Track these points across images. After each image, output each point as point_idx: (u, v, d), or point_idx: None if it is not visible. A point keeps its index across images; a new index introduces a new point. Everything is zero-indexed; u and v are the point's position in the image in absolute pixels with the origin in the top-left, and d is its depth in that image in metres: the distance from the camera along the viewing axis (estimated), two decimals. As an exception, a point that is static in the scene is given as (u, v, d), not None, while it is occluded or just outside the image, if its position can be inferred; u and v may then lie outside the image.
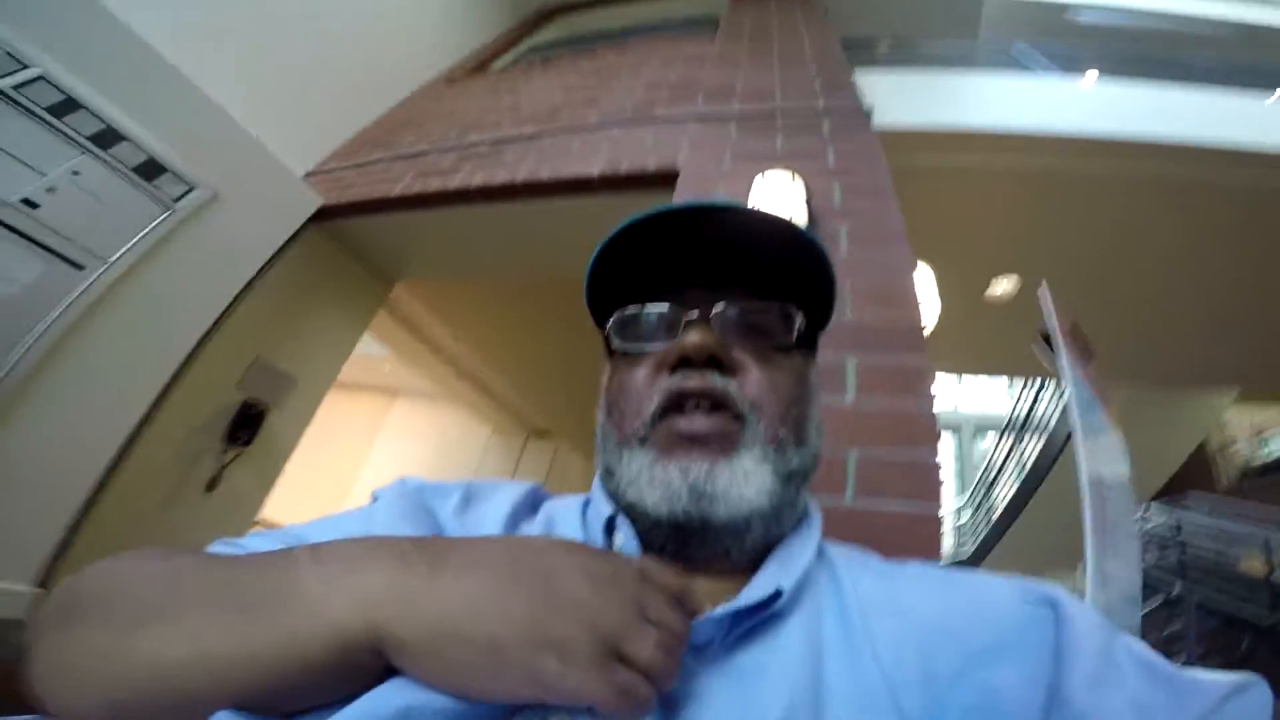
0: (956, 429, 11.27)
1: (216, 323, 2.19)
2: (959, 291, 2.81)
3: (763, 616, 0.39)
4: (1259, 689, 0.35)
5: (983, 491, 8.00)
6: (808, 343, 0.53)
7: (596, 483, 0.51)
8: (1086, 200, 2.31)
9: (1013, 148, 2.13)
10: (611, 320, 0.51)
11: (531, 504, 0.53)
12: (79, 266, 1.74)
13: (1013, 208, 2.38)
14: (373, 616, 0.30)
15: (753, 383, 0.45)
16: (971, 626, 0.39)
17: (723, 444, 0.43)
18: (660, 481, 0.42)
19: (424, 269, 2.95)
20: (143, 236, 1.87)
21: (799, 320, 0.48)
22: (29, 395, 1.68)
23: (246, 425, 2.37)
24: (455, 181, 2.21)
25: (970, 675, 0.36)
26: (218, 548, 0.45)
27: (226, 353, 2.29)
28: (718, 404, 0.44)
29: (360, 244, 2.68)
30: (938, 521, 1.07)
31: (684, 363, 0.45)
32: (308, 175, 2.75)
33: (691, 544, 0.43)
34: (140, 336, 1.94)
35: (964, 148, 2.14)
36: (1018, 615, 0.40)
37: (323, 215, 2.46)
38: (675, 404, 0.44)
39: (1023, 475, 6.74)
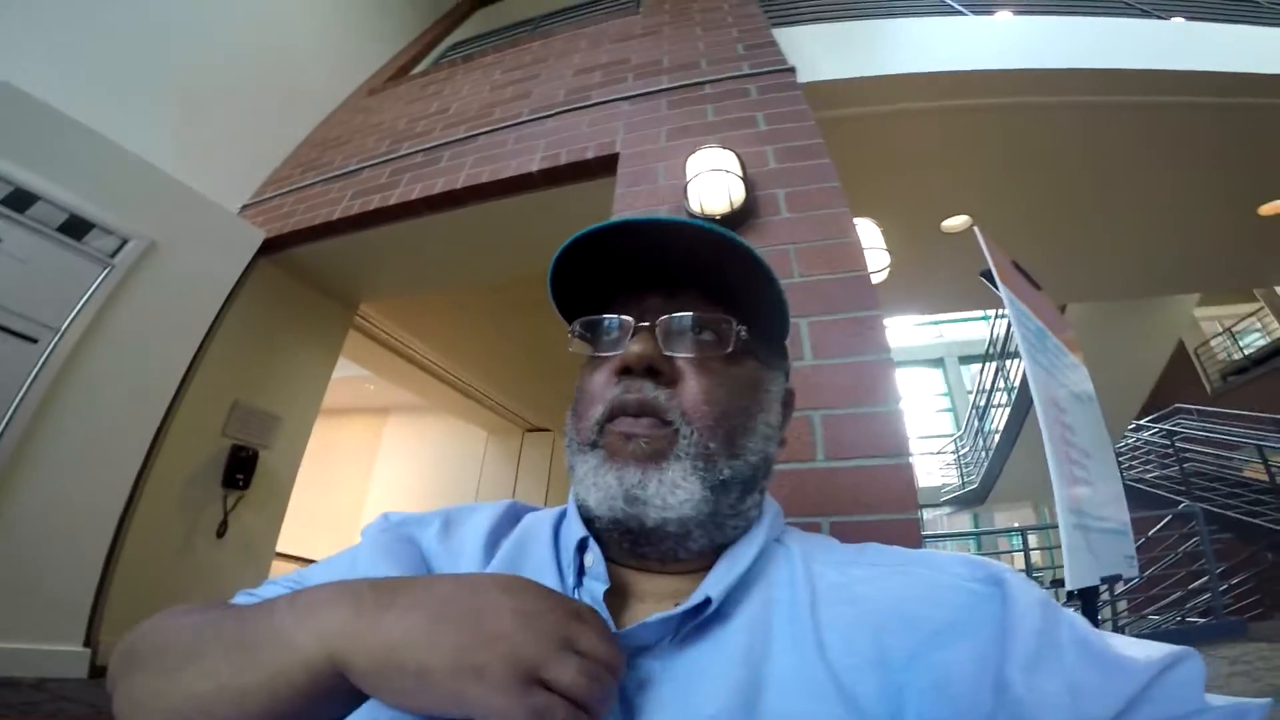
0: (940, 361, 11.31)
1: (187, 372, 2.18)
2: (913, 236, 2.85)
3: (702, 618, 0.41)
4: (1190, 662, 0.36)
5: (976, 420, 8.04)
6: (766, 351, 0.54)
7: (571, 495, 0.52)
8: (1023, 133, 2.33)
9: (941, 89, 2.13)
10: (573, 328, 0.53)
11: (511, 520, 0.56)
12: (31, 340, 1.73)
13: (953, 148, 2.39)
14: (330, 648, 0.35)
15: (688, 393, 0.47)
16: (923, 610, 0.41)
17: (653, 452, 0.45)
18: (601, 485, 0.45)
19: (383, 287, 2.93)
20: (89, 297, 1.86)
21: (736, 331, 0.49)
22: (22, 472, 1.70)
23: (241, 469, 2.40)
24: (395, 196, 2.18)
25: (924, 657, 0.38)
26: (240, 598, 0.51)
27: (204, 400, 2.29)
28: (652, 414, 0.46)
29: (314, 271, 2.65)
30: (909, 470, 1.11)
31: (627, 371, 0.47)
32: (245, 208, 2.71)
33: (641, 545, 0.46)
34: (114, 397, 1.95)
35: (893, 94, 2.14)
36: (966, 596, 0.41)
37: (270, 248, 2.43)
38: (618, 414, 0.47)
39: (1012, 399, 6.75)
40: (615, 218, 0.48)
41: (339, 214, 2.28)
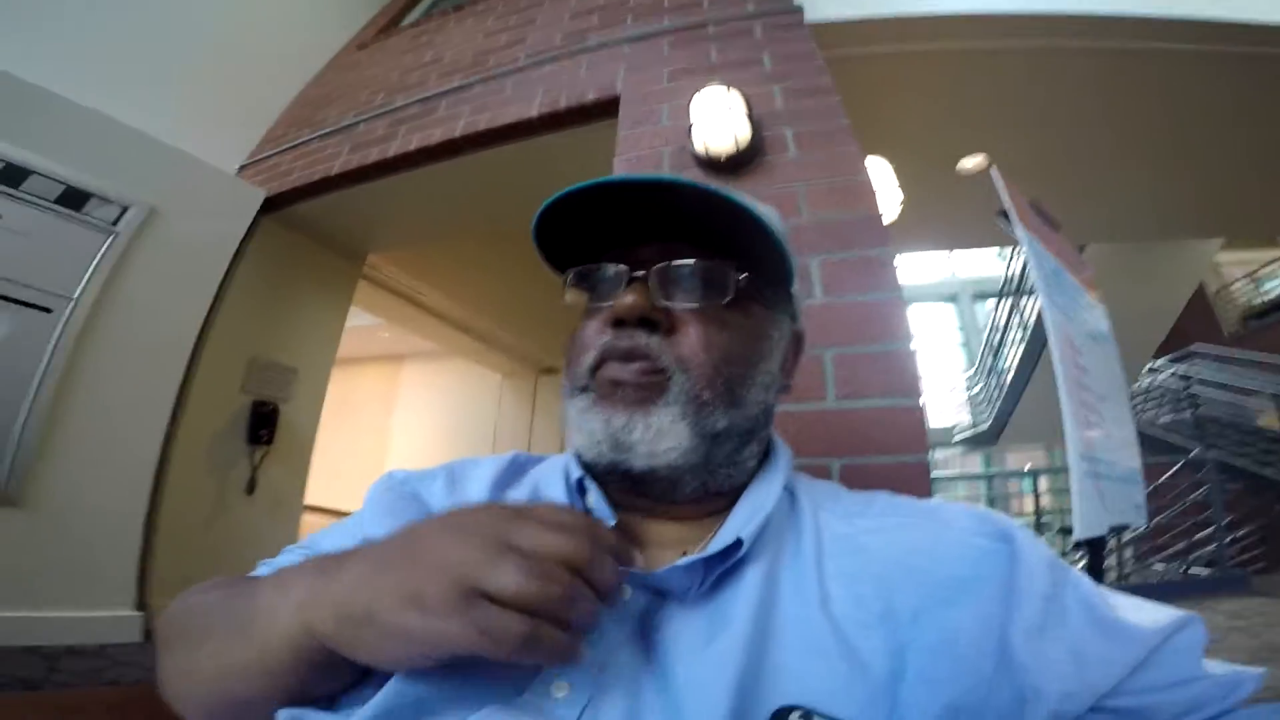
0: (954, 297, 11.11)
1: (202, 332, 2.22)
2: (928, 174, 2.75)
3: (730, 563, 0.42)
4: (1192, 628, 0.37)
5: (990, 358, 7.93)
6: (772, 296, 0.53)
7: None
8: (1041, 76, 2.21)
9: (953, 31, 2.02)
10: (567, 277, 0.53)
11: (515, 471, 0.56)
12: (46, 310, 1.76)
13: (968, 88, 2.28)
14: (304, 618, 0.36)
15: (685, 342, 0.46)
16: (929, 564, 0.41)
17: (642, 396, 0.45)
18: (587, 429, 0.46)
19: (389, 239, 2.91)
20: (97, 264, 1.87)
21: (735, 278, 0.48)
22: (55, 442, 1.76)
23: (264, 424, 2.46)
24: (393, 148, 2.14)
25: (929, 614, 0.38)
26: (260, 569, 0.54)
27: (221, 359, 2.33)
28: (644, 360, 0.46)
29: (318, 226, 2.64)
30: (920, 412, 1.11)
31: (619, 321, 0.47)
32: (243, 168, 2.69)
33: (638, 488, 0.47)
34: (134, 363, 1.99)
35: (903, 35, 2.02)
36: (975, 551, 0.42)
37: (272, 206, 2.42)
38: (608, 359, 0.47)
39: (1026, 337, 6.60)
40: (599, 178, 0.46)
41: (338, 169, 2.25)
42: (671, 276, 0.48)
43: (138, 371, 1.99)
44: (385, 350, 6.70)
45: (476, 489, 0.53)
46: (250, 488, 2.40)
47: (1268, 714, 0.33)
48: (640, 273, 0.48)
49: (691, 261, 0.47)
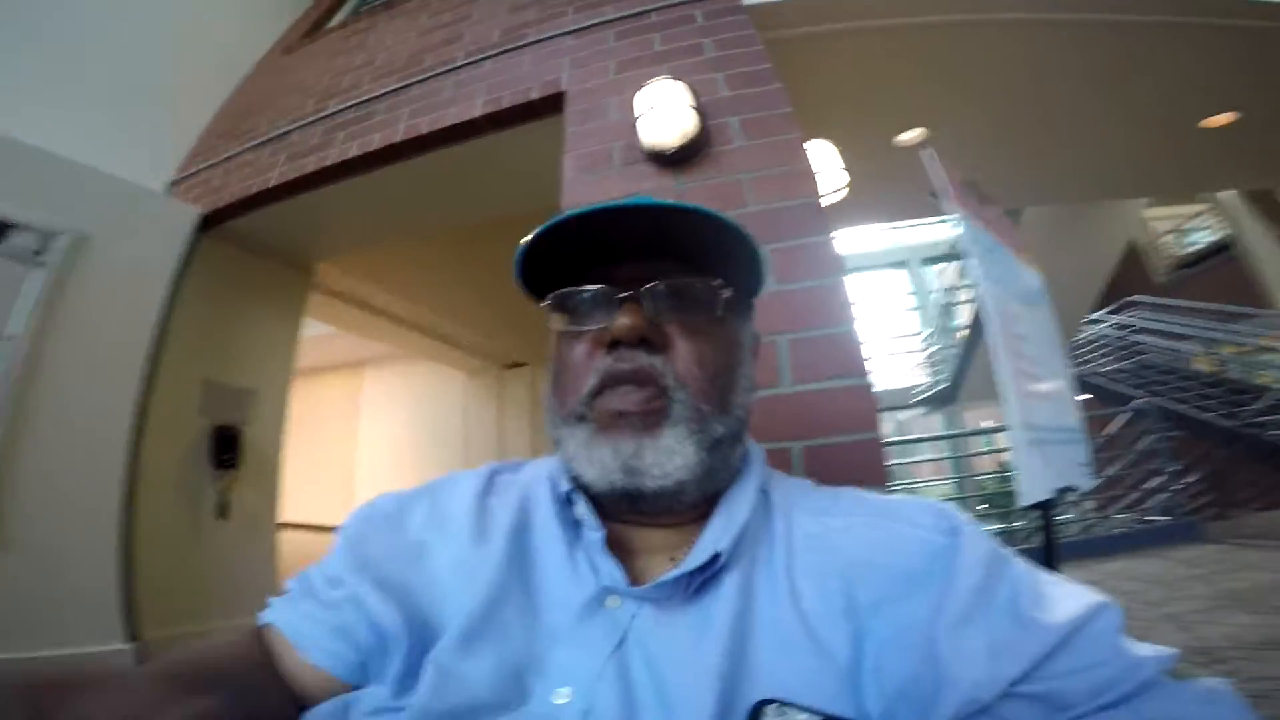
0: (904, 263, 11.40)
1: (150, 357, 2.14)
2: (870, 150, 2.83)
3: (710, 573, 0.44)
4: (1106, 614, 0.40)
5: (943, 320, 8.15)
6: (742, 306, 0.55)
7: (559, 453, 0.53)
8: (974, 48, 2.30)
9: (887, 6, 2.07)
10: (548, 299, 0.52)
11: (495, 482, 0.57)
12: (-21, 351, 1.67)
13: (903, 63, 2.35)
14: None
15: (681, 358, 0.48)
16: (889, 560, 0.44)
17: (648, 423, 0.46)
18: (596, 460, 0.46)
19: (336, 246, 2.84)
20: (27, 298, 1.80)
21: (725, 294, 0.49)
22: (16, 483, 1.70)
23: (227, 449, 2.40)
24: (332, 156, 2.08)
25: (887, 607, 0.42)
26: (268, 616, 0.52)
27: (174, 383, 2.26)
28: (648, 382, 0.47)
29: (260, 239, 2.56)
30: (870, 390, 1.17)
31: (616, 343, 0.47)
32: (173, 185, 2.58)
33: (638, 505, 0.48)
34: (84, 395, 1.92)
35: (841, 11, 2.07)
36: (929, 546, 0.45)
37: (209, 223, 2.34)
38: (610, 384, 0.47)
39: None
40: (581, 208, 0.47)
41: (275, 180, 2.18)
42: (664, 295, 0.48)
43: (89, 404, 1.92)
44: (345, 358, 6.54)
45: (460, 507, 0.53)
46: (221, 512, 2.35)
47: (1175, 690, 0.37)
48: (628, 292, 0.48)
49: (682, 281, 0.49)
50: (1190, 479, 5.27)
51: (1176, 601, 2.45)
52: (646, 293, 0.48)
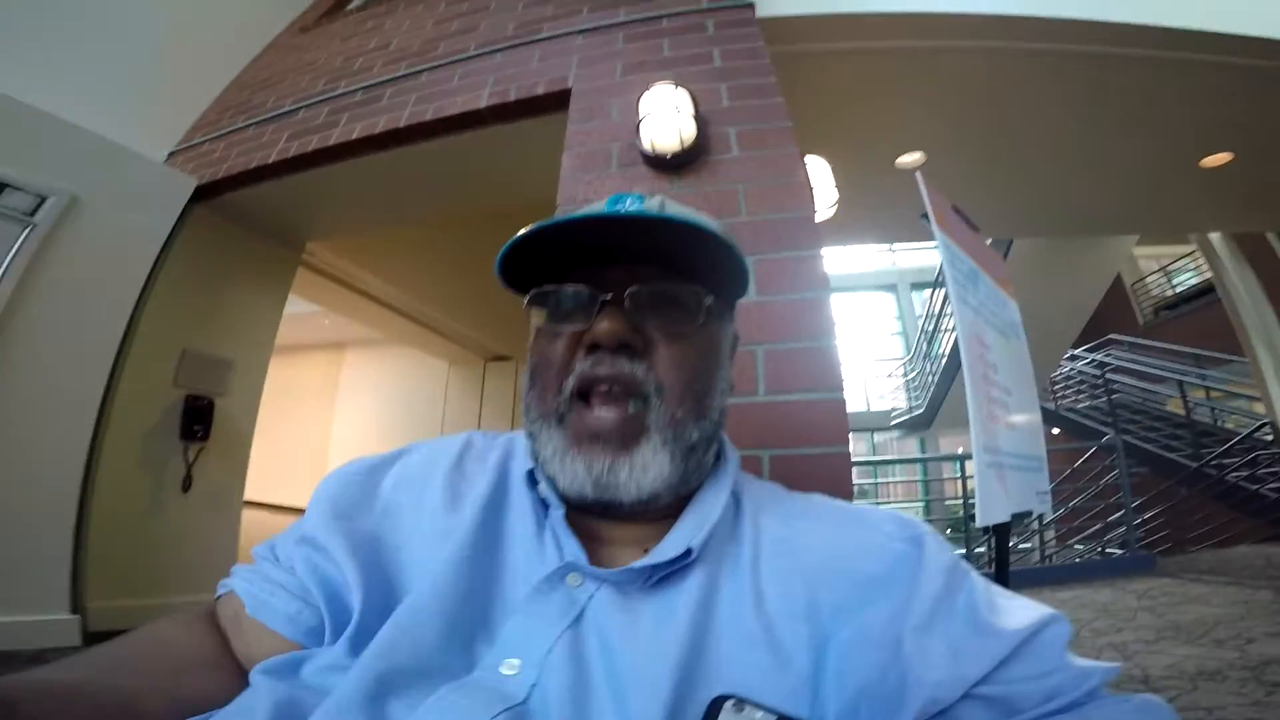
0: (893, 286, 11.54)
1: (130, 324, 2.12)
2: (868, 169, 2.88)
3: (678, 566, 0.44)
4: (1056, 626, 0.42)
5: (925, 345, 8.25)
6: (724, 309, 0.54)
7: (525, 433, 0.53)
8: (979, 75, 2.34)
9: (901, 29, 2.12)
10: (530, 296, 0.52)
11: (472, 449, 0.56)
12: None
13: (909, 86, 2.40)
14: None
15: (662, 363, 0.48)
16: (851, 565, 0.45)
17: (624, 439, 0.46)
18: (570, 471, 0.46)
19: (329, 227, 2.83)
20: (12, 256, 1.78)
21: (708, 301, 0.49)
22: None
23: (198, 419, 2.37)
24: (334, 136, 2.08)
25: (849, 611, 0.42)
26: (231, 583, 0.51)
27: (152, 352, 2.24)
28: (625, 387, 0.47)
29: (254, 214, 2.55)
30: (842, 404, 1.19)
31: (596, 346, 0.47)
32: (172, 155, 2.56)
33: (609, 513, 0.48)
34: (58, 357, 1.89)
35: (853, 31, 2.11)
36: (891, 554, 0.46)
37: (203, 194, 2.33)
38: (589, 387, 0.47)
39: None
40: (567, 215, 0.47)
41: (275, 157, 2.18)
42: (646, 300, 0.48)
43: (62, 367, 1.90)
44: (326, 338, 6.47)
45: (434, 471, 0.53)
46: (186, 485, 2.32)
47: (1116, 701, 0.39)
48: (609, 295, 0.48)
49: (665, 286, 0.49)
50: (1149, 514, 5.41)
51: (1123, 631, 2.50)
52: (629, 297, 0.48)
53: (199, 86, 2.80)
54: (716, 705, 0.37)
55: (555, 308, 0.51)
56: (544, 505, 0.49)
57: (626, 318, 0.47)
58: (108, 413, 2.04)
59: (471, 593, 0.43)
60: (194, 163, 2.44)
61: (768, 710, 0.37)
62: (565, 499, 0.48)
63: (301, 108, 2.32)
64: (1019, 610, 0.44)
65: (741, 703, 0.37)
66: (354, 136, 2.05)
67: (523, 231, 0.48)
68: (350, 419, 6.40)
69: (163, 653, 0.45)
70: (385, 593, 0.45)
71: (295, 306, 3.52)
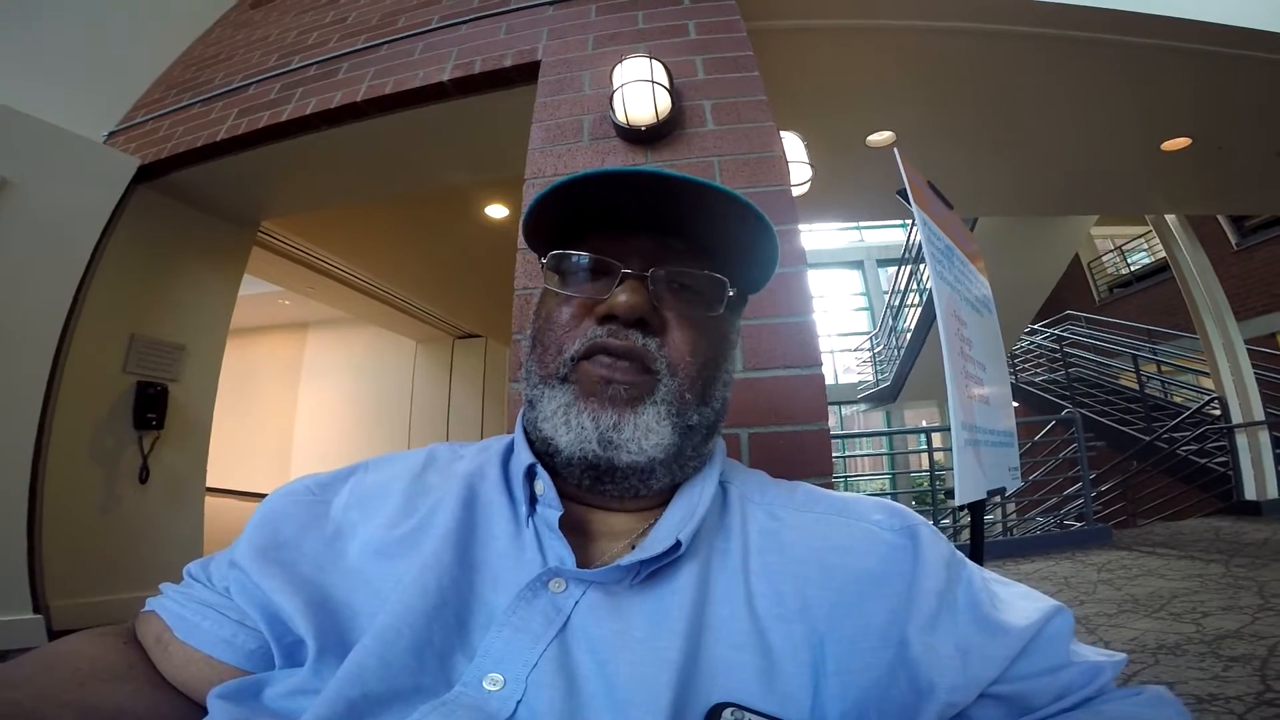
0: (860, 263, 11.72)
1: (72, 311, 2.00)
2: (839, 148, 2.89)
3: (665, 561, 0.43)
4: (1059, 618, 0.42)
5: (891, 319, 8.44)
6: (738, 302, 0.54)
7: (519, 424, 0.53)
8: (949, 56, 2.35)
9: (873, 6, 2.11)
10: (549, 257, 0.51)
11: (433, 464, 0.54)
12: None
13: (881, 66, 2.40)
14: None
15: (675, 345, 0.47)
16: (844, 560, 0.44)
17: (632, 395, 0.46)
18: (574, 425, 0.45)
19: (286, 205, 2.70)
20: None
21: (730, 293, 0.49)
22: None
23: (151, 407, 2.27)
24: (287, 112, 1.98)
25: (844, 609, 0.42)
26: (151, 605, 0.49)
27: (98, 338, 2.13)
28: (637, 361, 0.46)
29: (203, 194, 2.42)
30: (820, 380, 1.19)
31: (612, 316, 0.46)
32: (112, 134, 2.42)
33: (603, 482, 0.47)
34: (-3, 343, 1.78)
35: (829, 9, 2.09)
36: (884, 547, 0.45)
37: (148, 174, 2.20)
38: (598, 354, 0.46)
39: (923, 302, 7.07)
40: (613, 168, 0.45)
41: (224, 134, 2.06)
42: (670, 282, 0.48)
43: (2, 357, 1.79)
44: (287, 318, 6.29)
45: (392, 486, 0.51)
46: (143, 476, 2.22)
47: (1124, 695, 0.39)
48: (631, 270, 0.47)
49: (693, 271, 0.48)
50: (1105, 487, 5.63)
51: (1085, 604, 2.61)
52: (652, 276, 0.47)
53: (142, 65, 2.64)
54: (715, 713, 0.36)
55: (571, 272, 0.50)
56: (531, 504, 0.47)
57: (648, 295, 0.47)
58: (53, 404, 1.94)
59: (442, 605, 0.41)
60: (136, 142, 2.31)
61: (767, 718, 0.36)
62: (558, 468, 0.47)
63: (252, 83, 2.19)
64: (1020, 601, 0.44)
65: (740, 710, 0.36)
66: (308, 112, 1.94)
67: (556, 181, 0.46)
68: (316, 399, 6.27)
69: (65, 664, 0.42)
70: (340, 619, 0.42)
71: (253, 287, 3.39)
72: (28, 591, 1.74)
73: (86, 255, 2.03)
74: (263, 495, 0.53)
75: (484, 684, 0.37)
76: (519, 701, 0.36)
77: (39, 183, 1.90)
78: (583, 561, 0.45)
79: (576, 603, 0.41)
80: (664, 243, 0.49)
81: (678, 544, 0.42)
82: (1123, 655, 0.42)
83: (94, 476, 2.09)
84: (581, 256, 0.49)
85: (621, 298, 0.46)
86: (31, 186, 1.88)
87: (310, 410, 6.26)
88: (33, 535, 1.80)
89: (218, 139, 2.07)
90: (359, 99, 1.90)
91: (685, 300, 0.48)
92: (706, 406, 0.49)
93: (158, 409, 2.28)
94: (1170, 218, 5.18)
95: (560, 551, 0.44)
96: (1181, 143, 2.99)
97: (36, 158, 1.92)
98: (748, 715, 0.36)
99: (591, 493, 0.49)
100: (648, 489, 0.48)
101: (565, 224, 0.50)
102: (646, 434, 0.45)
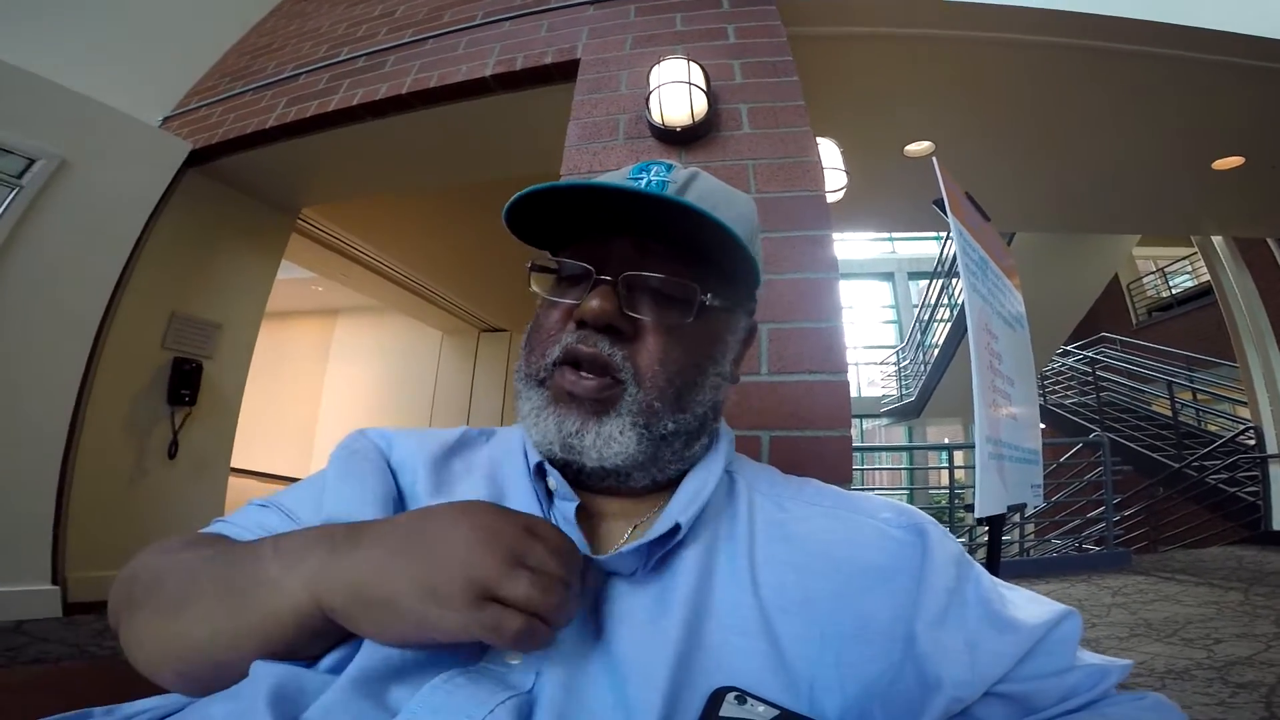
0: (891, 275, 11.54)
1: (118, 287, 2.08)
2: (876, 157, 2.86)
3: (670, 545, 0.43)
4: (1069, 621, 0.42)
5: (919, 334, 8.28)
6: (733, 299, 0.53)
7: None
8: (993, 66, 2.31)
9: (920, 17, 2.09)
10: (530, 267, 0.52)
11: (463, 446, 0.55)
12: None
13: (923, 76, 2.37)
14: (314, 591, 0.37)
15: (644, 353, 0.47)
16: (850, 554, 0.44)
17: (596, 407, 0.46)
18: (542, 427, 0.47)
19: (326, 193, 2.78)
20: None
21: (701, 300, 0.48)
22: None
23: (186, 384, 2.34)
24: (334, 102, 2.03)
25: (847, 601, 0.41)
26: (217, 526, 0.51)
27: (140, 315, 2.21)
28: (603, 371, 0.46)
29: (249, 179, 2.50)
30: (845, 387, 1.18)
31: (584, 324, 0.46)
32: (168, 119, 2.51)
33: (584, 479, 0.48)
34: (43, 319, 1.86)
35: (871, 16, 2.08)
36: (892, 543, 0.45)
37: (199, 159, 2.28)
38: (571, 360, 0.47)
39: (953, 317, 6.90)
40: (583, 179, 0.46)
41: (273, 122, 2.13)
42: (640, 286, 0.48)
43: (47, 330, 1.87)
44: (318, 304, 6.42)
45: (425, 459, 0.52)
46: (172, 451, 2.29)
47: (1127, 700, 0.40)
48: (607, 276, 0.47)
49: (662, 277, 0.47)
50: (1129, 511, 5.48)
51: (1097, 627, 2.55)
52: (626, 280, 0.47)
53: (198, 53, 2.73)
54: (718, 697, 0.36)
55: (557, 277, 0.51)
56: (549, 496, 0.49)
57: (619, 300, 0.47)
58: (93, 375, 2.01)
59: None
60: (190, 128, 2.40)
61: (770, 704, 0.36)
62: (548, 458, 0.48)
63: (302, 73, 2.26)
64: (1029, 604, 0.44)
65: (744, 695, 0.36)
66: (355, 102, 2.00)
67: (527, 189, 0.46)
68: (341, 386, 6.38)
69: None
70: None
71: (288, 272, 3.48)
72: (49, 563, 1.80)
73: (135, 234, 2.12)
74: (284, 478, 0.54)
75: (508, 657, 0.38)
76: (537, 674, 0.37)
77: (96, 163, 1.98)
78: (596, 548, 0.47)
79: (591, 588, 0.42)
80: (645, 246, 0.48)
81: (677, 527, 0.43)
82: (1128, 661, 0.42)
83: (125, 449, 2.16)
84: (559, 263, 0.51)
85: (592, 303, 0.46)
86: (89, 167, 1.96)
87: (335, 397, 6.37)
88: (60, 505, 1.86)
89: (266, 126, 2.14)
90: (404, 91, 1.94)
91: (659, 305, 0.48)
92: (684, 414, 0.48)
93: (192, 385, 2.35)
94: (1217, 240, 5.01)
95: (578, 541, 0.45)
96: (1234, 161, 2.89)
97: (95, 140, 2.00)
98: (750, 700, 0.36)
99: (578, 485, 0.49)
100: (629, 485, 0.49)
101: (556, 220, 0.51)
102: (609, 443, 0.45)
